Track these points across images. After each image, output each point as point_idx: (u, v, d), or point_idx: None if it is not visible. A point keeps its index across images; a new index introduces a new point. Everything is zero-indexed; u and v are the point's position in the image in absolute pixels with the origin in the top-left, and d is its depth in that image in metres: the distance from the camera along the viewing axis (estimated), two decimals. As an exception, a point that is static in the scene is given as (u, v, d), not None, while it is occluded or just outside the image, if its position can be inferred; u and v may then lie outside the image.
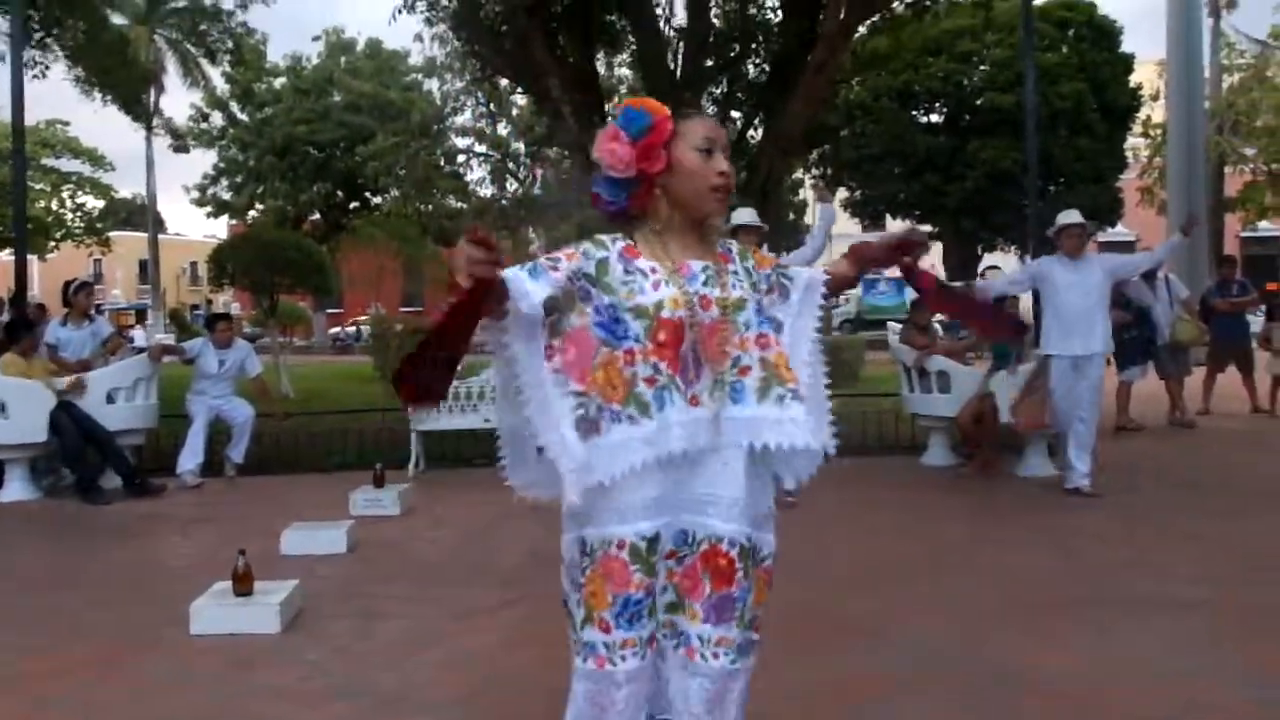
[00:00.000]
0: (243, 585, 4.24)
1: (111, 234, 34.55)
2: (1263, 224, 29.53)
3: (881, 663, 3.72)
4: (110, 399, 7.86)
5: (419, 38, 15.54)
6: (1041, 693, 3.39)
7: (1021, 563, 5.19)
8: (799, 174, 25.72)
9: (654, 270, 2.16)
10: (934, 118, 25.74)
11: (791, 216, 29.13)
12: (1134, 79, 25.49)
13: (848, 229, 27.12)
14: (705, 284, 2.17)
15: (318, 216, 33.55)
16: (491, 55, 11.19)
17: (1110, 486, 6.77)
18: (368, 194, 32.64)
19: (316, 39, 33.29)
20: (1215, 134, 24.92)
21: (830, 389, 2.33)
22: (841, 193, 23.82)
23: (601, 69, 14.29)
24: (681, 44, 10.75)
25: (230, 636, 4.10)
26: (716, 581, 2.15)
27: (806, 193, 32.30)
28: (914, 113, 25.14)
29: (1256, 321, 11.71)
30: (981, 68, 24.82)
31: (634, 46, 11.57)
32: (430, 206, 28.32)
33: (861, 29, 11.64)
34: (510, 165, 27.10)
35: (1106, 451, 7.60)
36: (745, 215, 7.01)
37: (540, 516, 6.65)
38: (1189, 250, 18.65)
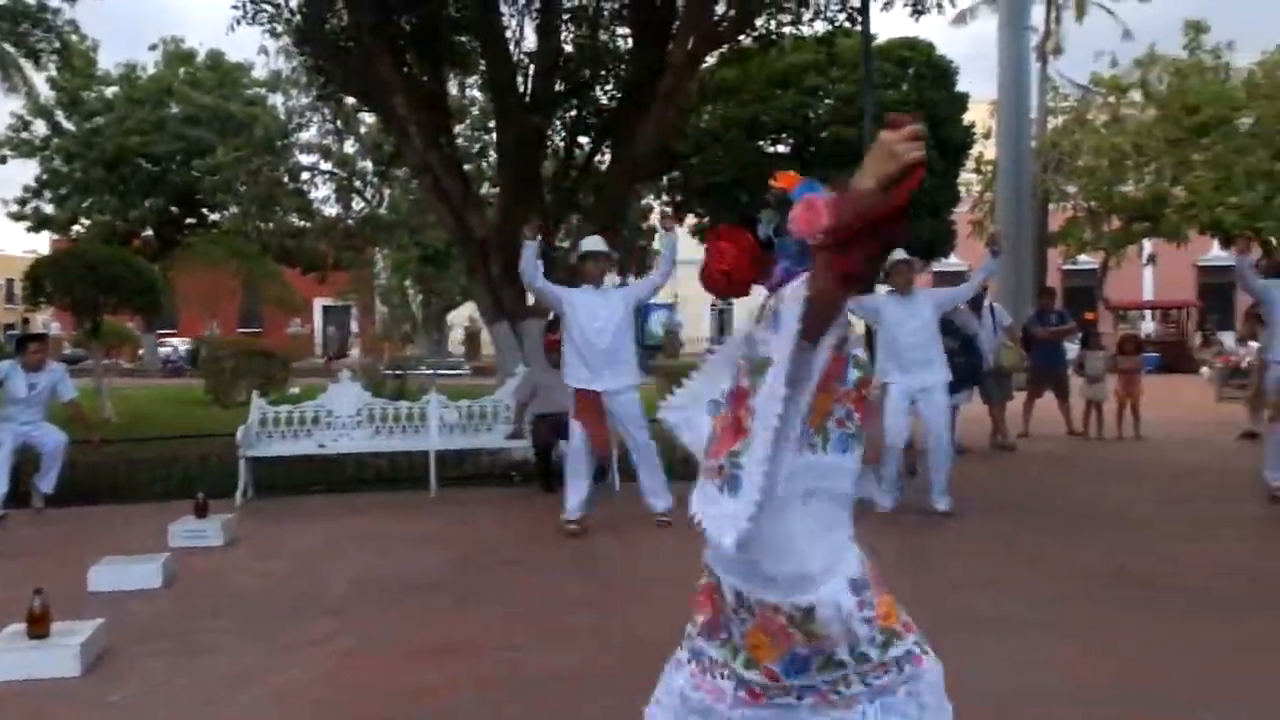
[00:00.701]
0: (37, 626, 3.94)
1: (-82, 247, 32.22)
2: (1082, 257, 31.49)
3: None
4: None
5: (263, 50, 15.09)
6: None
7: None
8: (650, 200, 26.02)
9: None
10: (781, 148, 26.40)
11: (642, 243, 29.43)
12: (968, 118, 26.74)
13: (695, 254, 27.53)
14: None
15: (150, 233, 32.02)
16: (336, 71, 10.88)
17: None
18: (205, 210, 31.36)
19: (154, 48, 31.92)
20: (1041, 172, 26.47)
21: None
22: (690, 219, 24.17)
23: (454, 89, 14.11)
24: (532, 67, 10.70)
25: (24, 682, 3.81)
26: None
27: (656, 219, 32.78)
28: (761, 143, 25.71)
29: (1073, 349, 12.40)
30: (827, 101, 25.59)
31: (484, 68, 11.45)
32: (272, 224, 27.46)
33: (710, 60, 11.82)
34: (356, 184, 26.54)
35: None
36: (594, 243, 6.95)
37: (367, 544, 6.42)
38: (1015, 281, 19.77)
